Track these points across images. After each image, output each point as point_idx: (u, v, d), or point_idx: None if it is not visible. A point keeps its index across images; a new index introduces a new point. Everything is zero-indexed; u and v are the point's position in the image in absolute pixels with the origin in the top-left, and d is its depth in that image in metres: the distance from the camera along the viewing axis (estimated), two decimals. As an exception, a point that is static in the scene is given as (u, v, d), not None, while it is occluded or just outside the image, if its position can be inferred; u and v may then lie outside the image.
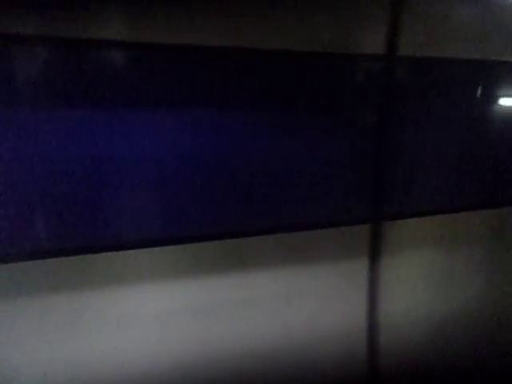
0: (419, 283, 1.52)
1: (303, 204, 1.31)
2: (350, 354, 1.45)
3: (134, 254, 1.20)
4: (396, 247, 1.44)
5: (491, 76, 1.48)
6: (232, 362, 1.33)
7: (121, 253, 1.18)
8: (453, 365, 1.60)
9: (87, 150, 1.11)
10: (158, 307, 1.26)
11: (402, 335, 1.51)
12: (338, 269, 1.37)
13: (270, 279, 1.31)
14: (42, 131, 1.07)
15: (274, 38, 1.21)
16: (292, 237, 1.31)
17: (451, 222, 1.52)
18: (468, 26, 1.40)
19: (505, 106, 1.52)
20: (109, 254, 1.17)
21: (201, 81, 1.17)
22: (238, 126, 1.23)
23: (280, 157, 1.27)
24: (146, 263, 1.22)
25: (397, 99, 1.36)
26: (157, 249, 1.22)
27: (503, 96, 1.50)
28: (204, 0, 1.11)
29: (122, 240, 1.19)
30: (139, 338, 1.26)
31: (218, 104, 1.20)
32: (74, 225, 1.13)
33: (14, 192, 1.07)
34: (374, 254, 1.40)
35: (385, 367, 1.49)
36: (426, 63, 1.36)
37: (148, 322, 1.25)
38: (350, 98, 1.31)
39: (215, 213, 1.24)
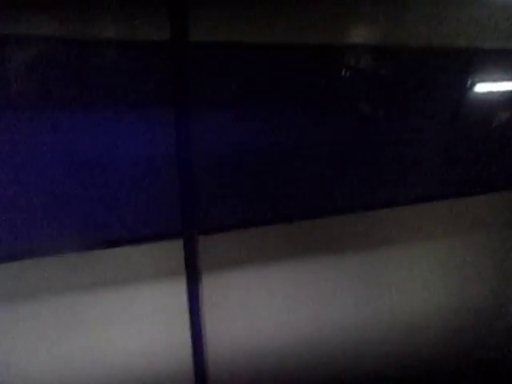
0: (247, 304, 1.34)
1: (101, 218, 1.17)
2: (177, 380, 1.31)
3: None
4: (216, 264, 1.27)
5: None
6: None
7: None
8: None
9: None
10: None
11: (230, 360, 1.36)
12: (154, 290, 1.23)
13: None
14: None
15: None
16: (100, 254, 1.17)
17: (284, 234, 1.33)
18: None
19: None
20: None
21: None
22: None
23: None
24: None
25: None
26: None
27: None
28: None
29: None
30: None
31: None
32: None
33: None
34: (191, 272, 1.24)
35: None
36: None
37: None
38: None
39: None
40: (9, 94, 1.05)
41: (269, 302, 1.38)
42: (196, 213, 1.24)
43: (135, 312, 1.23)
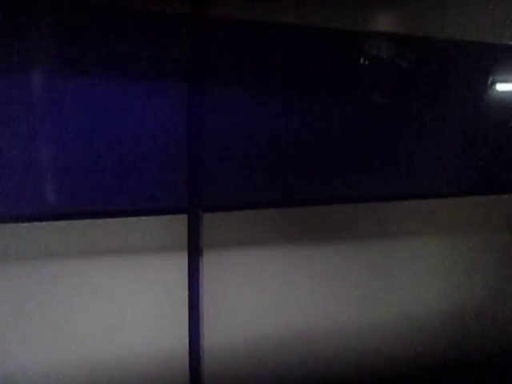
0: (246, 284, 1.34)
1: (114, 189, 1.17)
2: (171, 358, 1.30)
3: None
4: (218, 242, 1.27)
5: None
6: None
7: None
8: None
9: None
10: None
11: (226, 338, 1.36)
12: (155, 263, 1.24)
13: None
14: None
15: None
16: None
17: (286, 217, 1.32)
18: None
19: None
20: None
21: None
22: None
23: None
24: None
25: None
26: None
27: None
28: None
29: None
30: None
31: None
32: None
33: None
34: (193, 248, 1.23)
35: (208, 374, 1.34)
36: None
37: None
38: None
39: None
40: (25, 61, 1.05)
41: (268, 283, 1.37)
42: (203, 190, 1.23)
43: (134, 283, 1.24)
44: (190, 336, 1.29)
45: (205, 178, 1.23)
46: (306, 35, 1.25)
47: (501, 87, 1.47)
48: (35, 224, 1.12)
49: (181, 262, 1.24)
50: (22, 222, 1.10)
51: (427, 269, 1.56)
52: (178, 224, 1.22)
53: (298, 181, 1.34)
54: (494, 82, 1.45)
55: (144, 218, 1.20)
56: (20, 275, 1.14)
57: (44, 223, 1.13)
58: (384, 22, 1.32)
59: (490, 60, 1.44)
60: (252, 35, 1.22)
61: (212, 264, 1.28)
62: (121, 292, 1.23)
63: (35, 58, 1.07)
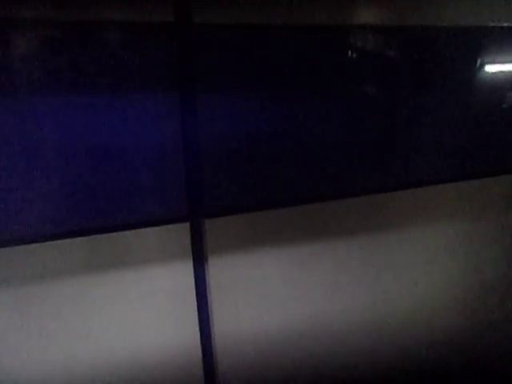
0: (252, 286, 1.36)
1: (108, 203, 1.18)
2: (185, 363, 1.32)
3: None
4: (222, 247, 1.29)
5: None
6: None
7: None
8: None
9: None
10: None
11: (236, 340, 1.37)
12: (162, 272, 1.25)
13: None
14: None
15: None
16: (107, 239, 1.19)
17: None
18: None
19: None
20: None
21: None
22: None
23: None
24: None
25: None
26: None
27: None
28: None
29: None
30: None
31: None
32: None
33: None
34: (198, 255, 1.25)
35: (222, 377, 1.37)
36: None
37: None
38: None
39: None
40: (12, 78, 1.05)
41: (273, 283, 1.39)
42: (202, 197, 1.24)
43: (143, 294, 1.25)
44: (201, 340, 1.31)
45: (204, 185, 1.24)
46: (293, 34, 1.25)
47: (491, 68, 1.47)
48: (42, 244, 1.14)
49: (187, 268, 1.26)
50: (28, 243, 1.12)
51: (430, 258, 1.57)
52: (181, 232, 1.24)
53: (296, 179, 1.35)
54: (483, 64, 1.45)
55: (147, 229, 1.22)
56: (30, 293, 1.16)
57: (49, 242, 1.14)
58: (369, 15, 1.32)
59: (478, 43, 1.43)
60: (238, 38, 1.21)
61: (217, 268, 1.29)
62: (130, 304, 1.25)
63: (22, 73, 1.06)
